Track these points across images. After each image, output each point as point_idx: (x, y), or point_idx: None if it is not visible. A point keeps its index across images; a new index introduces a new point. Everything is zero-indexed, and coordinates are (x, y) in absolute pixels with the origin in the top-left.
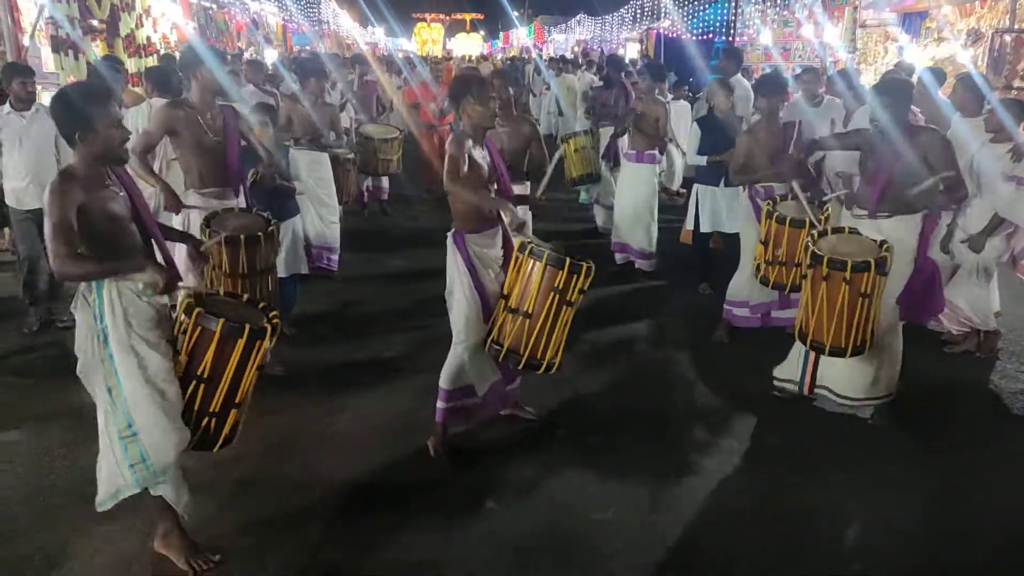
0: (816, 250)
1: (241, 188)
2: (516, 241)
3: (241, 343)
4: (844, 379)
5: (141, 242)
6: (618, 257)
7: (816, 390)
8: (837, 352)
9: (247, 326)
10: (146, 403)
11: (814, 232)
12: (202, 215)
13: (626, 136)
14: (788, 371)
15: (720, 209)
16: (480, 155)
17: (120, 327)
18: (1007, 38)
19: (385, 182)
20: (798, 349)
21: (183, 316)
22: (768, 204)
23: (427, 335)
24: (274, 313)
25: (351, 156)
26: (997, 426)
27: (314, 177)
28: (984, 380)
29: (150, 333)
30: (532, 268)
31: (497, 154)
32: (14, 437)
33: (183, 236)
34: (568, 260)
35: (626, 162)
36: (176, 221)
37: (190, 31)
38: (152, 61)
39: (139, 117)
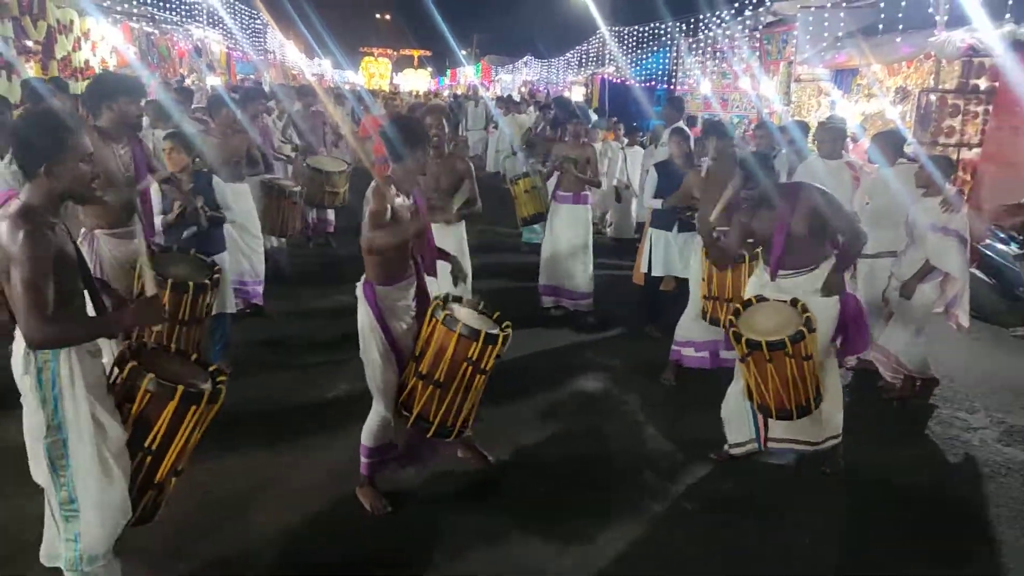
0: (750, 337)
1: (140, 227)
2: (432, 301)
3: (197, 410)
4: (793, 426)
5: (92, 294)
6: (547, 300)
7: (770, 444)
8: (804, 412)
9: (206, 390)
10: (96, 480)
11: (731, 317)
12: (114, 257)
13: (555, 178)
14: (741, 434)
15: (673, 253)
16: (402, 203)
17: (80, 395)
18: (932, 97)
19: (331, 214)
20: (744, 409)
21: (123, 376)
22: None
23: None
24: (214, 367)
25: (296, 188)
26: (934, 471)
27: (237, 208)
28: (921, 426)
29: (107, 401)
30: (445, 336)
31: (422, 200)
32: None
33: (103, 286)
34: (483, 332)
35: (561, 204)
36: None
37: (131, 55)
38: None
39: None
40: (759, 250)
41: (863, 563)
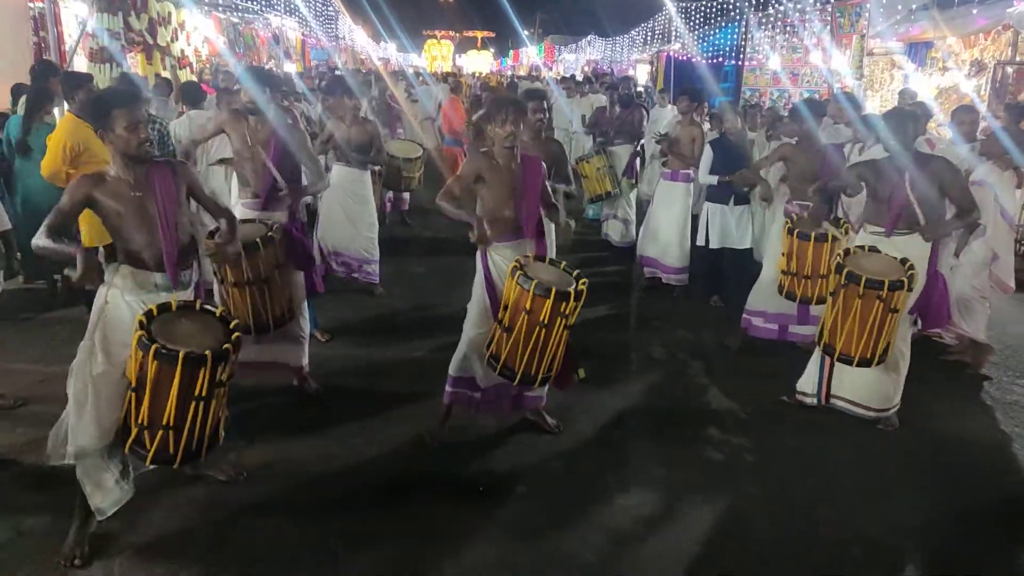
0: (853, 270)
1: (286, 203)
2: (512, 263)
3: (153, 363)
4: (862, 390)
5: (157, 245)
6: (646, 271)
7: (832, 400)
8: (865, 363)
9: (154, 346)
10: (76, 391)
11: (839, 252)
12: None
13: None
14: (806, 384)
15: (730, 225)
16: (508, 171)
17: (94, 319)
18: (1009, 70)
19: (406, 194)
20: (815, 363)
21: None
22: (788, 221)
23: (453, 338)
24: (226, 346)
25: (376, 169)
26: (991, 435)
27: (353, 194)
28: (979, 390)
29: (112, 333)
30: (521, 294)
31: (535, 176)
32: None
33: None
34: (554, 289)
35: (662, 180)
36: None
37: (220, 45)
38: (185, 74)
39: (179, 129)
40: (848, 224)
41: (917, 523)
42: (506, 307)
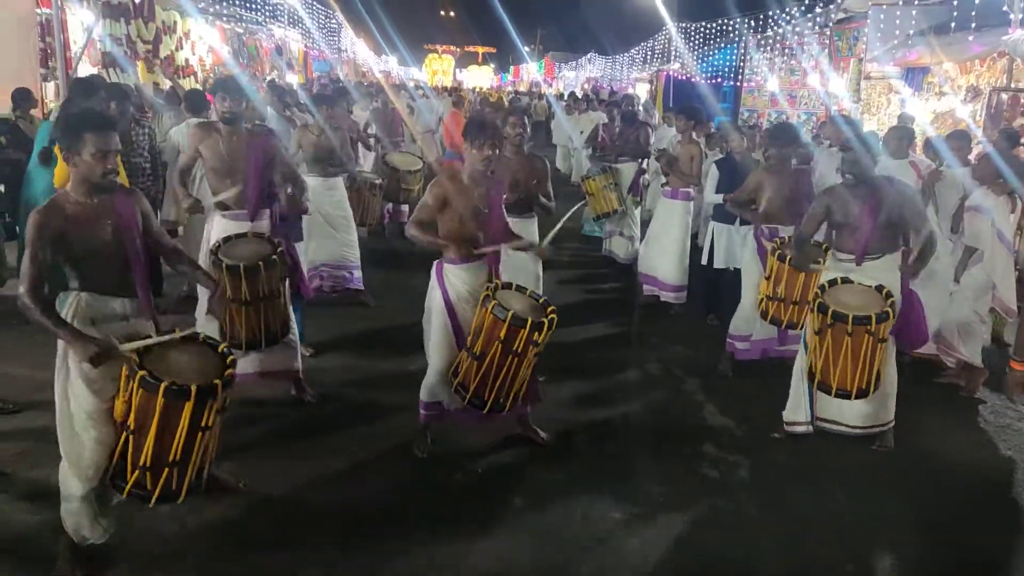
0: (837, 309)
1: (268, 212)
2: (484, 290)
3: (166, 403)
4: (851, 411)
5: (121, 270)
6: (645, 289)
7: (818, 423)
8: (862, 394)
9: (163, 384)
10: (65, 428)
11: (816, 290)
12: (221, 236)
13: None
14: (794, 414)
15: (735, 246)
16: (475, 191)
17: (60, 355)
18: (1004, 96)
19: (405, 206)
20: (800, 391)
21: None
22: (775, 243)
23: None
24: (229, 372)
25: (378, 182)
26: (984, 457)
27: (330, 202)
28: (973, 414)
29: (91, 369)
30: (494, 323)
31: (499, 196)
32: None
33: (196, 269)
34: (529, 320)
35: (662, 198)
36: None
37: (225, 55)
38: (189, 83)
39: (179, 136)
40: (828, 251)
41: (911, 545)
42: (477, 334)
